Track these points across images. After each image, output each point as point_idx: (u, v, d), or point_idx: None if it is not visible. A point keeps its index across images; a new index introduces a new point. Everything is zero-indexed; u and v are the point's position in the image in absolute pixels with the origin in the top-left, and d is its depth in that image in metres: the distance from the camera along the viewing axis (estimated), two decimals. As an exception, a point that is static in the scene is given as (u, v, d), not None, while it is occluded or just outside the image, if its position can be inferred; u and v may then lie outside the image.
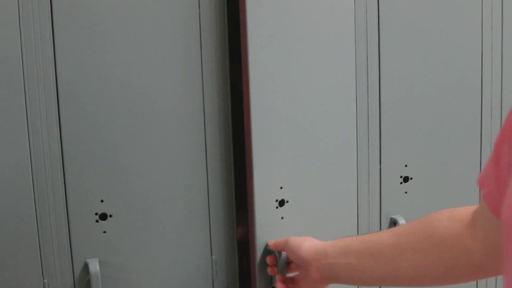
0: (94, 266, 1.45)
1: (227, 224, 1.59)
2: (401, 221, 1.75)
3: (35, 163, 1.39)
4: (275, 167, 1.52)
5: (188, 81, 1.50)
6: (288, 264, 1.45)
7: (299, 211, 1.54)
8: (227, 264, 1.60)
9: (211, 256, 1.58)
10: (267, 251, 1.52)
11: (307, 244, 1.33)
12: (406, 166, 1.78)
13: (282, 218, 1.52)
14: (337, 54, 1.53)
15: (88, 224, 1.46)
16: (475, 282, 1.89)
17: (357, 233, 1.68)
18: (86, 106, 1.42)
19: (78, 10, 1.39)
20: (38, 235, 1.41)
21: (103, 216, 1.47)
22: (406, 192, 1.79)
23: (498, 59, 1.86)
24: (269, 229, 1.53)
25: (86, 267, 1.45)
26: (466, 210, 1.04)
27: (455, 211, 1.06)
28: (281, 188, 1.51)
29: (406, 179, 1.79)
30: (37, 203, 1.40)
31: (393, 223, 1.76)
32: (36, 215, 1.40)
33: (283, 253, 1.44)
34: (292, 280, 1.45)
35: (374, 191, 1.75)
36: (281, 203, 1.52)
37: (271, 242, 1.51)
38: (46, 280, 1.43)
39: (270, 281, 1.53)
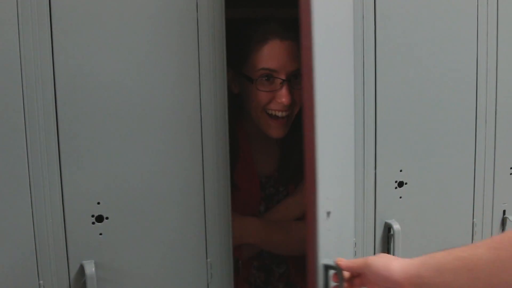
0: (90, 268, 1.45)
1: (223, 227, 1.59)
2: (396, 225, 1.76)
3: (32, 164, 1.39)
4: (327, 177, 1.49)
5: (185, 85, 1.51)
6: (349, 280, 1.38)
7: (337, 222, 1.51)
8: (222, 267, 1.61)
9: (207, 259, 1.58)
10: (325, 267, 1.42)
11: (395, 264, 1.26)
12: (401, 171, 1.79)
13: (329, 230, 1.50)
14: (335, 60, 1.54)
15: (85, 226, 1.46)
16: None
17: (354, 237, 1.68)
18: (83, 108, 1.43)
19: (76, 13, 1.40)
20: (34, 236, 1.41)
21: (100, 218, 1.47)
22: (401, 197, 1.80)
23: (493, 65, 1.88)
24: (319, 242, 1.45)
25: (82, 269, 1.46)
26: None
27: None
28: (327, 198, 1.49)
29: (401, 184, 1.80)
30: (33, 204, 1.40)
31: (388, 228, 1.77)
32: (32, 216, 1.41)
33: (344, 272, 1.36)
34: None
35: (369, 196, 1.77)
36: (328, 214, 1.49)
37: (341, 261, 1.37)
38: (41, 282, 1.43)
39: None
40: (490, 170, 1.93)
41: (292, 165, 1.96)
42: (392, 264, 1.26)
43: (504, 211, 1.97)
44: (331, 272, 1.38)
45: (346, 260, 1.37)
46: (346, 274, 1.36)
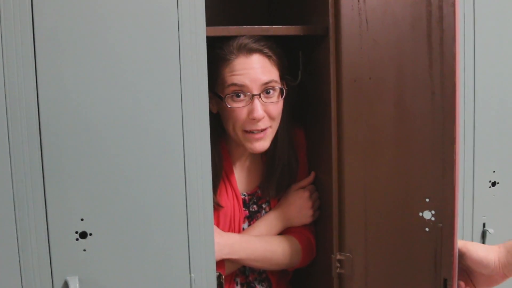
0: (74, 284, 1.45)
1: (206, 242, 1.60)
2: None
3: (16, 181, 1.40)
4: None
5: (167, 105, 1.52)
6: None
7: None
8: (205, 282, 1.61)
9: (190, 274, 1.59)
10: None
11: (490, 255, 1.52)
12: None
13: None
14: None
15: (68, 242, 1.47)
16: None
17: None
18: (67, 124, 1.44)
19: (60, 39, 1.41)
20: (18, 252, 1.42)
21: (83, 235, 1.48)
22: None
23: (471, 76, 1.92)
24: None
25: (66, 285, 1.46)
26: None
27: None
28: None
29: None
30: (17, 221, 1.41)
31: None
32: (16, 233, 1.41)
33: None
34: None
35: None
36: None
37: None
38: (25, 297, 1.44)
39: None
40: (469, 183, 1.95)
41: (274, 180, 1.97)
42: (488, 251, 1.52)
43: (484, 224, 2.00)
44: None
45: None
46: None
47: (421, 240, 1.52)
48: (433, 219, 1.49)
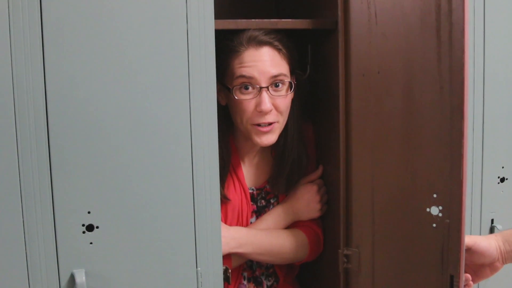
0: (81, 277, 1.46)
1: (212, 236, 1.60)
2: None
3: (23, 174, 1.40)
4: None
5: (175, 96, 1.51)
6: None
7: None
8: (212, 276, 1.61)
9: (196, 268, 1.58)
10: None
11: (492, 244, 1.59)
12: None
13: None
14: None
15: (75, 235, 1.47)
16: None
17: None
18: (75, 118, 1.44)
19: (68, 31, 1.41)
20: (25, 245, 1.42)
21: (90, 228, 1.48)
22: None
23: (480, 72, 1.90)
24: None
25: (72, 277, 1.46)
26: None
27: None
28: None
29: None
30: (24, 213, 1.41)
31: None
32: (23, 225, 1.41)
33: None
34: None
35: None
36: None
37: None
38: (32, 290, 1.44)
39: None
40: (478, 179, 1.95)
41: (283, 177, 1.96)
42: (491, 243, 1.59)
43: (492, 220, 1.99)
44: None
45: None
46: None
47: (428, 236, 1.52)
48: (440, 215, 1.48)
